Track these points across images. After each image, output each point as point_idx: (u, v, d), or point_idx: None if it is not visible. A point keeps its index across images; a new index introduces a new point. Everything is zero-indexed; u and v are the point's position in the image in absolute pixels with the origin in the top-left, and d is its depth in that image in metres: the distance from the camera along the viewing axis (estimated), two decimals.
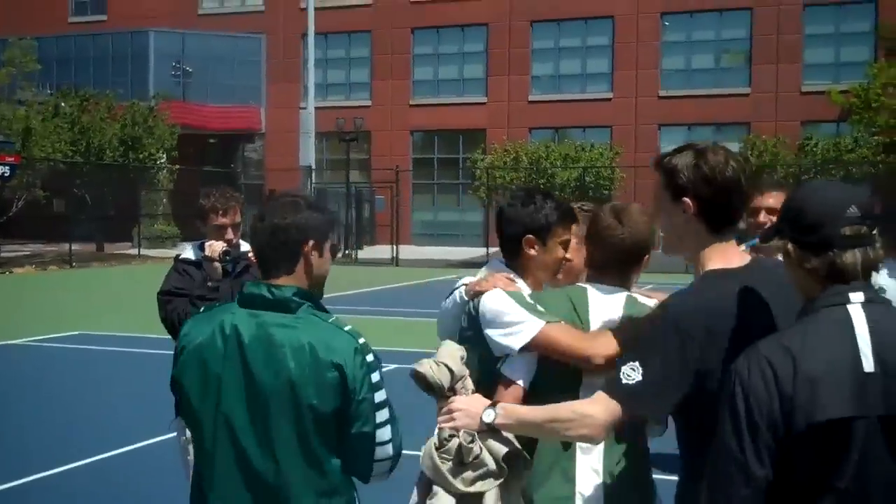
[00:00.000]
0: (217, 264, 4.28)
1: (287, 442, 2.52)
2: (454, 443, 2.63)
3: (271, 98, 41.69)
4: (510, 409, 2.61)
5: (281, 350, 2.52)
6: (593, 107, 36.94)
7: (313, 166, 33.62)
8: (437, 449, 2.67)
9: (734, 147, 33.84)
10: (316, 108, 32.85)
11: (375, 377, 2.57)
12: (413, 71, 40.25)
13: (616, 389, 2.39)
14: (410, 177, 38.89)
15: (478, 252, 33.63)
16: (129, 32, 41.34)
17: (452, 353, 2.84)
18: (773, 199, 3.81)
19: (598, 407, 2.41)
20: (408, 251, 33.84)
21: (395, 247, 32.60)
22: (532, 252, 3.01)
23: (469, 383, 2.81)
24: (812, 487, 2.07)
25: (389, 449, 2.60)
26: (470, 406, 2.66)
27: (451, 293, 3.27)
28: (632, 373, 2.35)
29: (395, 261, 32.22)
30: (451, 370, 2.77)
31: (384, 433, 2.59)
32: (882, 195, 32.69)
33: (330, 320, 2.61)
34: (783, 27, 35.03)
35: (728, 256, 2.46)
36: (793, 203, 2.24)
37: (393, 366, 12.19)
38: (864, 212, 2.17)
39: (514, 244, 3.04)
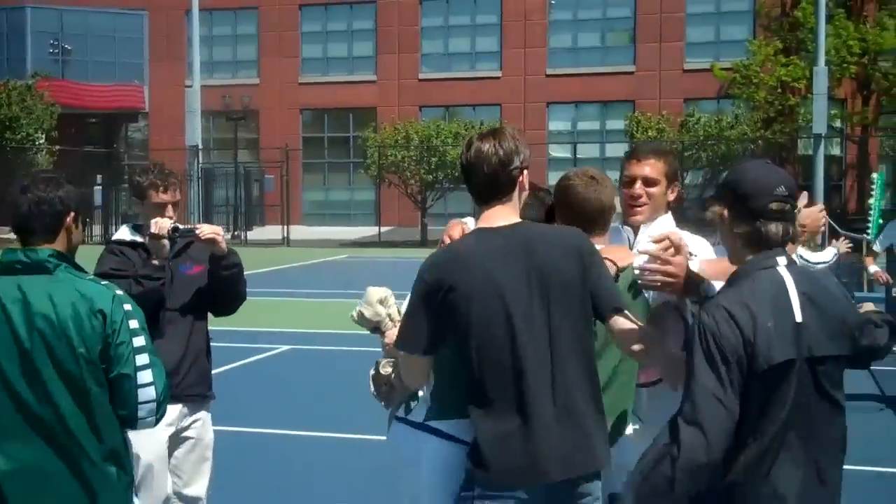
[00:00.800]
0: (165, 241, 4.11)
1: (61, 388, 2.85)
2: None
3: (155, 76, 40.57)
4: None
5: (42, 307, 2.85)
6: (483, 85, 37.09)
7: (200, 146, 32.90)
8: (372, 376, 3.36)
9: (619, 124, 34.77)
10: (202, 87, 32.12)
11: (134, 324, 2.93)
12: (302, 48, 39.68)
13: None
14: (300, 156, 38.46)
15: (370, 231, 33.54)
16: (4, 9, 39.65)
17: (369, 299, 3.41)
18: (650, 168, 3.52)
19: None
20: (299, 231, 33.53)
21: (285, 227, 32.29)
22: None
23: (394, 317, 3.36)
24: (758, 419, 2.51)
25: (152, 391, 2.93)
26: (389, 339, 3.29)
27: None
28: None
29: (286, 241, 31.92)
30: (363, 314, 3.39)
31: (145, 376, 2.92)
32: None
33: (88, 278, 2.99)
34: (666, 6, 35.74)
35: (490, 219, 2.92)
36: (733, 176, 2.69)
37: (286, 346, 12.08)
38: (789, 192, 2.60)
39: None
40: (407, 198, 32.60)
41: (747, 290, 2.54)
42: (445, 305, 2.81)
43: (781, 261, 2.58)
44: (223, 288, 4.30)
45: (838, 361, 2.59)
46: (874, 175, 15.54)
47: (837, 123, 33.18)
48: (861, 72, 32.81)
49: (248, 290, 4.50)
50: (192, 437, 4.34)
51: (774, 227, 2.57)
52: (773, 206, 2.56)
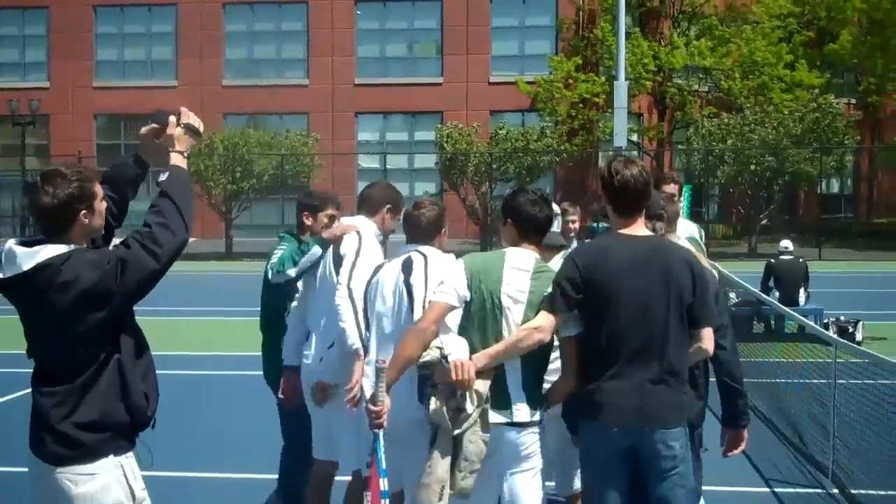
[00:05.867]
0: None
1: None
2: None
3: None
4: (481, 355, 3.87)
5: None
6: (290, 93, 36.31)
7: None
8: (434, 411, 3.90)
9: (427, 135, 34.81)
10: None
11: None
12: (96, 51, 37.72)
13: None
14: (95, 164, 36.42)
15: None
16: None
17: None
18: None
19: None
20: None
21: None
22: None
23: (445, 352, 3.94)
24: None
25: None
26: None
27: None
28: None
29: None
30: (440, 348, 3.92)
31: None
32: (565, 177, 34.70)
33: None
34: (472, 19, 36.12)
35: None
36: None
37: None
38: None
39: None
40: (210, 208, 31.41)
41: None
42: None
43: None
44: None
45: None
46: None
47: (634, 137, 34.44)
48: (656, 88, 34.23)
49: None
50: None
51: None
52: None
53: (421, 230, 4.55)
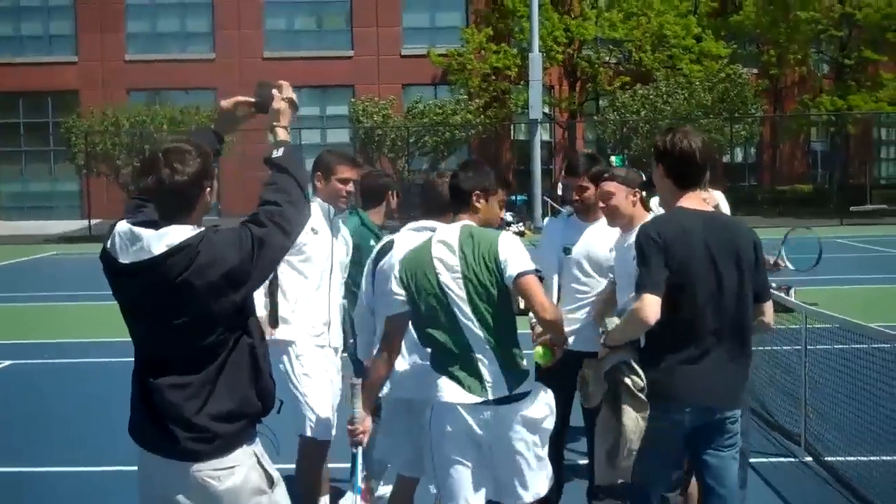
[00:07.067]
0: None
1: None
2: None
3: None
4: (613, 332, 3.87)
5: None
6: (195, 68, 35.34)
7: None
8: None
9: (339, 109, 34.32)
10: None
11: None
12: None
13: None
14: None
15: (77, 224, 31.23)
16: None
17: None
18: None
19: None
20: None
21: None
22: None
23: None
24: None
25: None
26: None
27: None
28: None
29: None
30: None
31: None
32: (480, 150, 34.65)
33: None
34: None
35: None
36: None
37: (7, 362, 10.52)
38: None
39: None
40: (118, 188, 30.45)
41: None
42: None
43: None
44: None
45: None
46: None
47: (546, 109, 34.58)
48: (567, 60, 34.38)
49: None
50: None
51: None
52: None
53: (439, 201, 4.18)
